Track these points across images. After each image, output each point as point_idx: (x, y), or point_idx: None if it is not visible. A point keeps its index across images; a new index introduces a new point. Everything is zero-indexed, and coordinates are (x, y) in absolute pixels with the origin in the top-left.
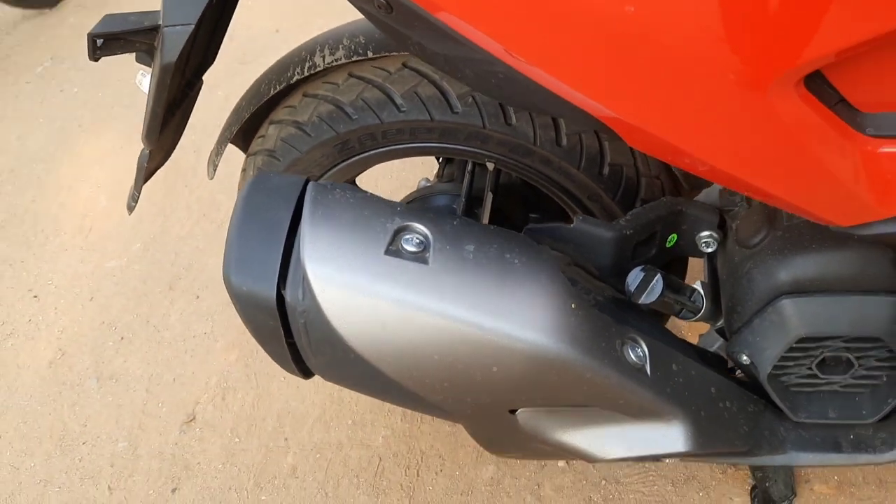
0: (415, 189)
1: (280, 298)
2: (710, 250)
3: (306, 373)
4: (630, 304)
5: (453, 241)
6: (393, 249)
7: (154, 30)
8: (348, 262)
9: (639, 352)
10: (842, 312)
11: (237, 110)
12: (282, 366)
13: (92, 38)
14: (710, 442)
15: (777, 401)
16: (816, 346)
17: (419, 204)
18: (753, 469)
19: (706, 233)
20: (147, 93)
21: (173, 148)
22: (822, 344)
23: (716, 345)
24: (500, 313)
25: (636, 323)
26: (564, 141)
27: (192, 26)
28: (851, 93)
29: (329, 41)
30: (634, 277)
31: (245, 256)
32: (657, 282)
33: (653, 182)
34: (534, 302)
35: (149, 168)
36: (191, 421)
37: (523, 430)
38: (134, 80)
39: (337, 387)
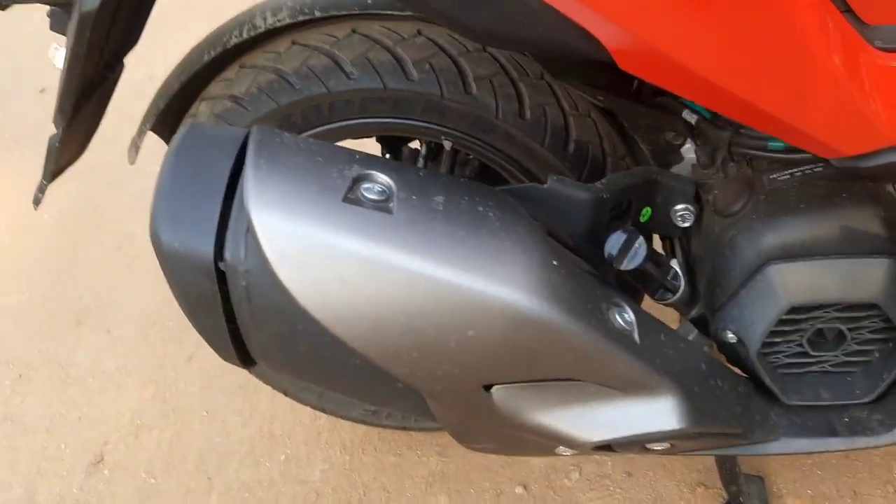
0: None
1: (218, 260)
2: (685, 224)
3: (246, 359)
4: (606, 279)
5: (420, 192)
6: (352, 198)
7: None
8: (301, 209)
9: (626, 317)
10: (833, 277)
11: (166, 84)
12: (218, 350)
13: None
14: (704, 418)
15: (767, 381)
16: (807, 317)
17: None
18: (727, 484)
19: (681, 206)
20: (60, 66)
21: (87, 141)
22: (812, 315)
23: (690, 335)
24: (477, 268)
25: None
26: (528, 114)
27: None
28: (857, 4)
29: (270, 5)
30: (616, 240)
31: (177, 210)
32: (640, 245)
33: (619, 163)
34: (513, 257)
35: (59, 162)
36: (98, 462)
37: (499, 411)
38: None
39: (268, 420)
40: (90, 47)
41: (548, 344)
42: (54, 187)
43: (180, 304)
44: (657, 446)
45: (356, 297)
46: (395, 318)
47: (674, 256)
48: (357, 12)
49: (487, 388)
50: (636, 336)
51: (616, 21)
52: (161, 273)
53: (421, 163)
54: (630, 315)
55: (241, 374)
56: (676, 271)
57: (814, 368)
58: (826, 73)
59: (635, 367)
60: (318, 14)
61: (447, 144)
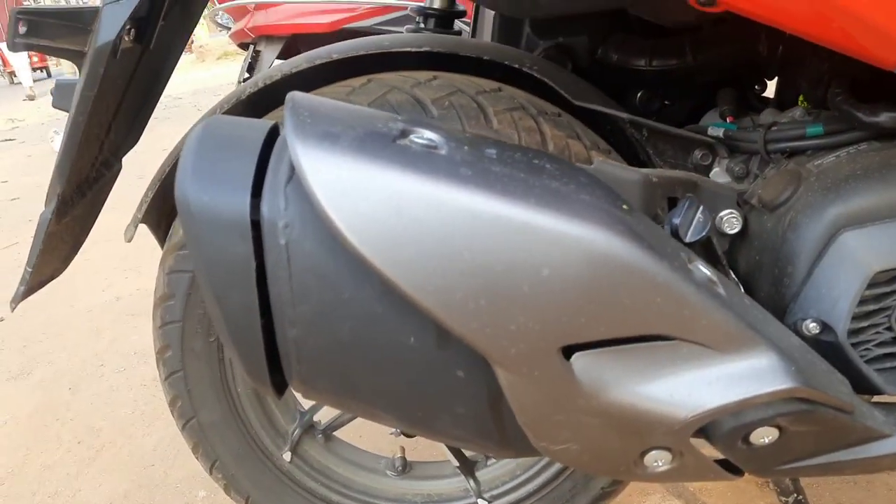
0: None
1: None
2: (734, 231)
3: (277, 380)
4: None
5: (471, 145)
6: (401, 144)
7: (88, 19)
8: (350, 148)
9: (706, 271)
10: None
11: (176, 149)
12: (243, 349)
13: (16, 19)
14: (814, 379)
15: (864, 370)
16: (891, 289)
17: None
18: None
19: (727, 210)
20: (56, 148)
21: (77, 246)
22: None
23: None
24: (547, 202)
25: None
26: (551, 146)
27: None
28: None
29: (286, 63)
30: (678, 210)
31: (206, 165)
32: (703, 214)
33: None
34: (582, 195)
35: (39, 277)
36: None
37: (582, 386)
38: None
39: None
40: (88, 147)
41: (631, 287)
42: (10, 391)
43: (205, 282)
44: (765, 437)
45: (417, 233)
46: (459, 255)
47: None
48: (374, 52)
49: (567, 355)
50: (722, 290)
51: None
52: (129, 461)
53: None
54: (709, 270)
55: None
56: (736, 281)
57: None
58: None
59: (729, 319)
60: (335, 56)
61: None
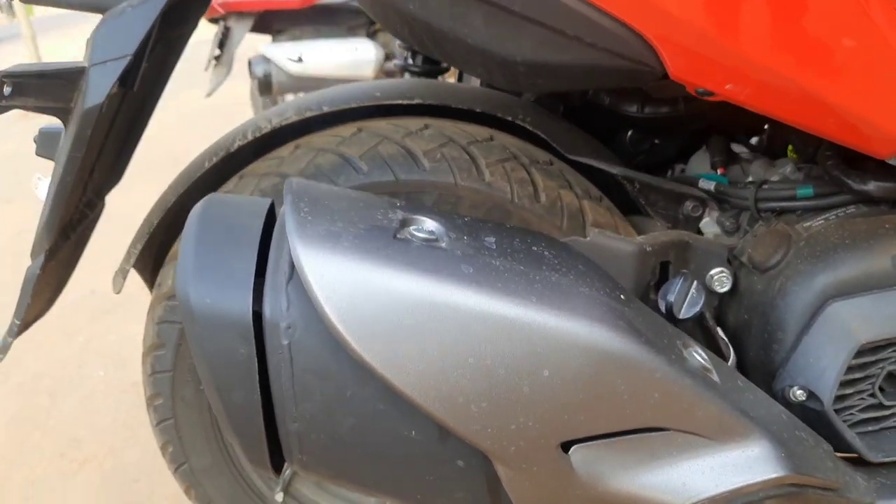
0: None
1: (255, 319)
2: (724, 289)
3: (276, 458)
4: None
5: (470, 234)
6: (401, 238)
7: (74, 75)
8: (351, 247)
9: (702, 354)
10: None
11: (162, 199)
12: (245, 440)
13: (0, 80)
14: (803, 465)
15: (847, 437)
16: (876, 359)
17: None
18: None
19: (717, 269)
20: (43, 199)
21: (61, 287)
22: (881, 356)
23: None
24: (546, 301)
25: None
26: (543, 197)
27: (126, 60)
28: None
29: (275, 110)
30: (672, 286)
31: (208, 264)
32: (696, 289)
33: None
34: (580, 290)
35: (25, 322)
36: None
37: (580, 478)
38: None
39: None
40: (80, 169)
41: (629, 382)
42: None
43: (206, 380)
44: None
45: (418, 337)
46: (463, 360)
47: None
48: (366, 104)
49: (566, 449)
50: (716, 377)
51: (671, 15)
52: (113, 476)
53: None
54: (705, 355)
55: None
56: (725, 341)
57: (890, 423)
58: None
59: (723, 409)
60: (325, 109)
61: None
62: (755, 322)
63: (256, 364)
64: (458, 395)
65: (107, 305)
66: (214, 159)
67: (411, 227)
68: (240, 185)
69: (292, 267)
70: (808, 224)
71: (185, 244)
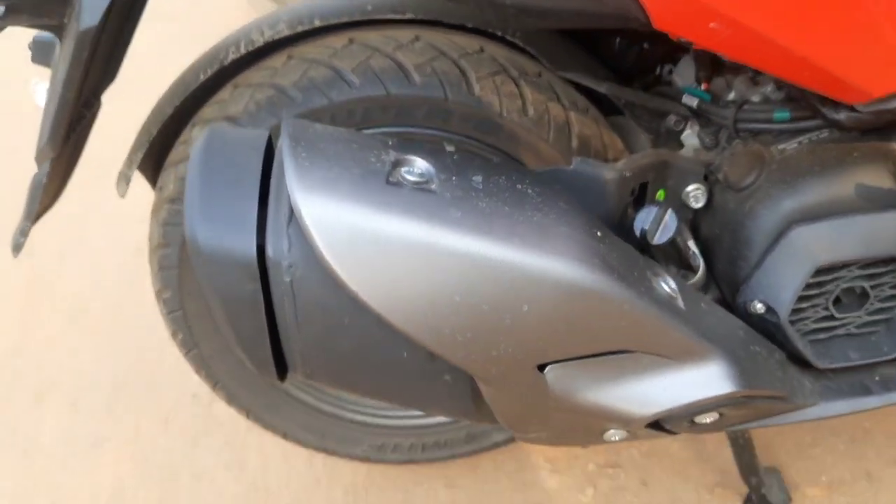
0: None
1: (260, 256)
2: (699, 205)
3: (282, 368)
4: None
5: (458, 173)
6: (393, 181)
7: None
8: (346, 193)
9: (670, 284)
10: (855, 234)
11: (157, 109)
12: (253, 359)
13: None
14: (753, 380)
15: (799, 346)
16: (832, 278)
17: None
18: (747, 477)
19: (693, 185)
20: (42, 105)
21: (64, 184)
22: (836, 276)
23: None
24: (528, 242)
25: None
26: (531, 111)
27: None
28: None
29: (266, 20)
30: (647, 214)
31: (213, 206)
32: (670, 216)
33: (620, 156)
34: (560, 229)
35: (33, 216)
36: None
37: (554, 393)
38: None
39: (261, 473)
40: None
41: (601, 313)
42: None
43: (216, 312)
44: (707, 418)
45: (409, 278)
46: (449, 298)
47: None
48: (357, 19)
49: (542, 368)
50: (681, 303)
51: None
52: (125, 338)
53: None
54: (672, 283)
55: (225, 430)
56: (695, 252)
57: (839, 332)
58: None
59: (686, 333)
60: (317, 23)
61: (450, 148)
62: (725, 238)
63: (262, 297)
64: (445, 328)
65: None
66: (209, 71)
67: (403, 170)
68: (235, 94)
69: (291, 210)
70: (782, 147)
71: (191, 184)
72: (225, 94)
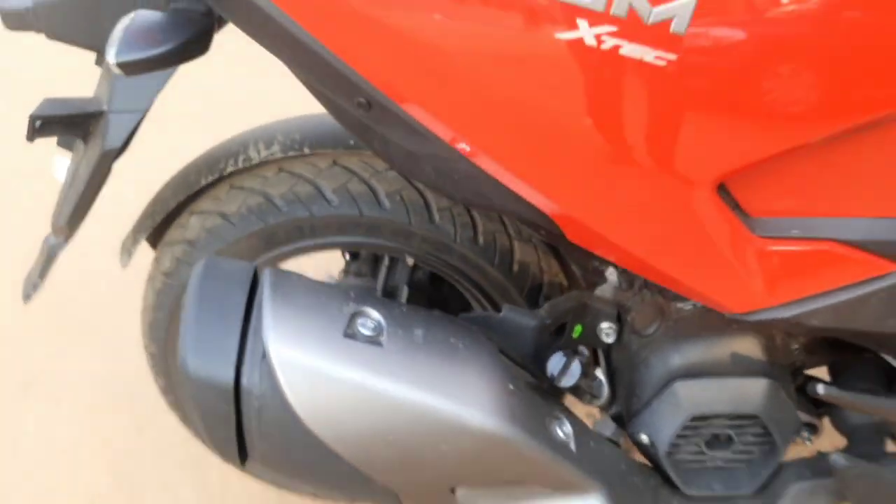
0: None
1: (236, 380)
2: (609, 340)
3: (243, 459)
4: (546, 389)
5: (404, 326)
6: (350, 333)
7: (95, 115)
8: (310, 345)
9: (565, 428)
10: (726, 393)
11: (161, 200)
12: (220, 452)
13: (32, 120)
14: None
15: (673, 476)
16: (705, 424)
17: None
18: None
19: (606, 324)
20: (63, 179)
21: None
22: (709, 422)
23: (609, 431)
24: (451, 395)
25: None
26: (481, 240)
27: (141, 114)
28: (743, 201)
29: (262, 136)
30: (557, 361)
31: (202, 341)
32: (576, 365)
33: (554, 280)
34: (479, 383)
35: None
36: None
37: None
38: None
39: (218, 495)
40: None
41: (503, 455)
42: None
43: (194, 417)
44: None
45: (353, 419)
46: (384, 436)
47: (598, 365)
48: (341, 151)
49: (453, 490)
50: (573, 445)
51: (573, 214)
52: (106, 343)
53: (384, 272)
54: (568, 427)
55: (192, 446)
56: (601, 381)
57: (709, 465)
58: (719, 253)
59: (572, 471)
60: (307, 151)
61: (409, 261)
62: (625, 374)
63: (234, 415)
64: (379, 458)
65: None
66: (210, 177)
67: (359, 321)
68: (230, 194)
69: (265, 350)
70: (680, 305)
71: (186, 315)
72: (221, 192)
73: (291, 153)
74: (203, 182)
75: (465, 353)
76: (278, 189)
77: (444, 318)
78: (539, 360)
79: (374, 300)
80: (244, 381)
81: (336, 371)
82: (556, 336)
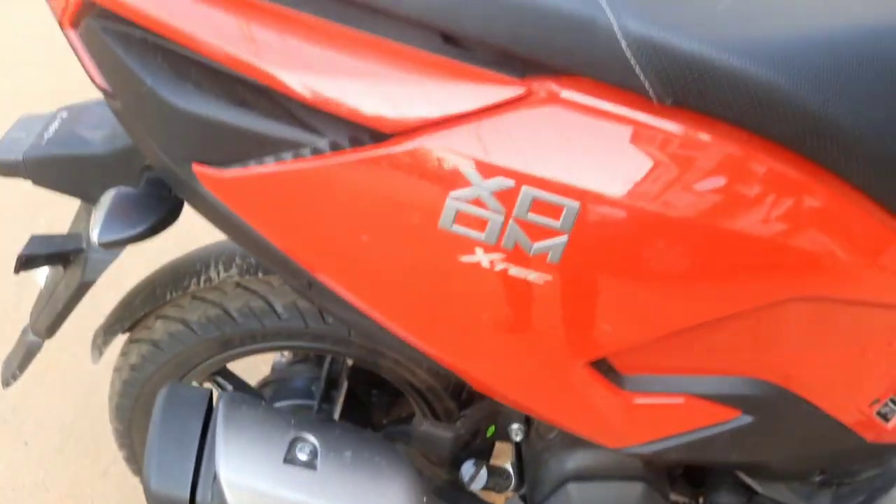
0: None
1: (192, 497)
2: (518, 439)
3: None
4: (458, 487)
5: (336, 449)
6: (289, 458)
7: (77, 251)
8: (254, 470)
9: None
10: (611, 496)
11: (129, 307)
12: None
13: (20, 258)
14: None
15: None
16: None
17: (283, 387)
18: None
19: (516, 425)
20: (41, 284)
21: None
22: None
23: None
24: None
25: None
26: None
27: (117, 255)
28: (617, 363)
29: (223, 256)
30: (467, 470)
31: (163, 464)
32: (483, 472)
33: None
34: (398, 500)
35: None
36: None
37: None
38: None
39: None
40: None
41: None
42: None
43: None
44: None
45: None
46: None
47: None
48: None
49: None
50: None
51: (470, 372)
52: (74, 385)
53: (326, 367)
54: None
55: None
56: (510, 473)
57: None
58: (595, 408)
59: None
60: (260, 276)
61: (349, 362)
62: (529, 470)
63: None
64: None
65: None
66: (174, 294)
67: (298, 447)
68: (192, 304)
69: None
70: None
71: (151, 442)
72: (184, 301)
73: (247, 277)
74: (168, 297)
75: (387, 471)
76: (235, 304)
77: (372, 439)
78: (456, 463)
79: (312, 424)
80: (199, 498)
81: (276, 494)
82: (472, 437)
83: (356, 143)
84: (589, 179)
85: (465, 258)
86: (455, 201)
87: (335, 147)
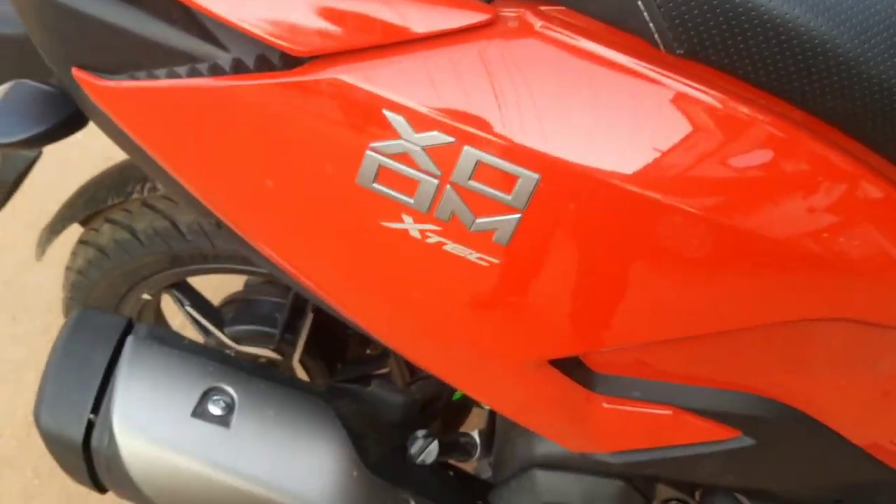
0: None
1: (87, 437)
2: (487, 407)
3: (102, 491)
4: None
5: (257, 405)
6: (199, 411)
7: None
8: (155, 423)
9: None
10: (577, 488)
11: (71, 206)
12: (79, 482)
13: None
14: None
15: None
16: None
17: (245, 309)
18: None
19: None
20: None
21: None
22: None
23: (487, 473)
24: (290, 481)
25: (417, 478)
26: None
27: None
28: (587, 358)
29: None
30: (412, 443)
31: (57, 398)
32: (433, 447)
33: None
34: (322, 470)
35: None
36: None
37: None
38: None
39: None
40: None
41: None
42: None
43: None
44: None
45: (189, 496)
46: None
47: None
48: None
49: None
50: None
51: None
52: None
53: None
54: None
55: None
56: (474, 441)
57: None
58: (562, 413)
59: None
60: None
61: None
62: (500, 441)
63: (85, 466)
64: None
65: None
66: (115, 199)
67: (211, 401)
68: (141, 211)
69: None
70: None
71: (47, 371)
72: (134, 206)
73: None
74: (110, 202)
75: (314, 437)
76: (141, 223)
77: (303, 398)
78: (411, 426)
79: (234, 374)
80: (94, 441)
81: (175, 450)
82: (433, 400)
83: (263, 64)
84: (557, 145)
85: (390, 224)
86: (377, 154)
87: (238, 67)
